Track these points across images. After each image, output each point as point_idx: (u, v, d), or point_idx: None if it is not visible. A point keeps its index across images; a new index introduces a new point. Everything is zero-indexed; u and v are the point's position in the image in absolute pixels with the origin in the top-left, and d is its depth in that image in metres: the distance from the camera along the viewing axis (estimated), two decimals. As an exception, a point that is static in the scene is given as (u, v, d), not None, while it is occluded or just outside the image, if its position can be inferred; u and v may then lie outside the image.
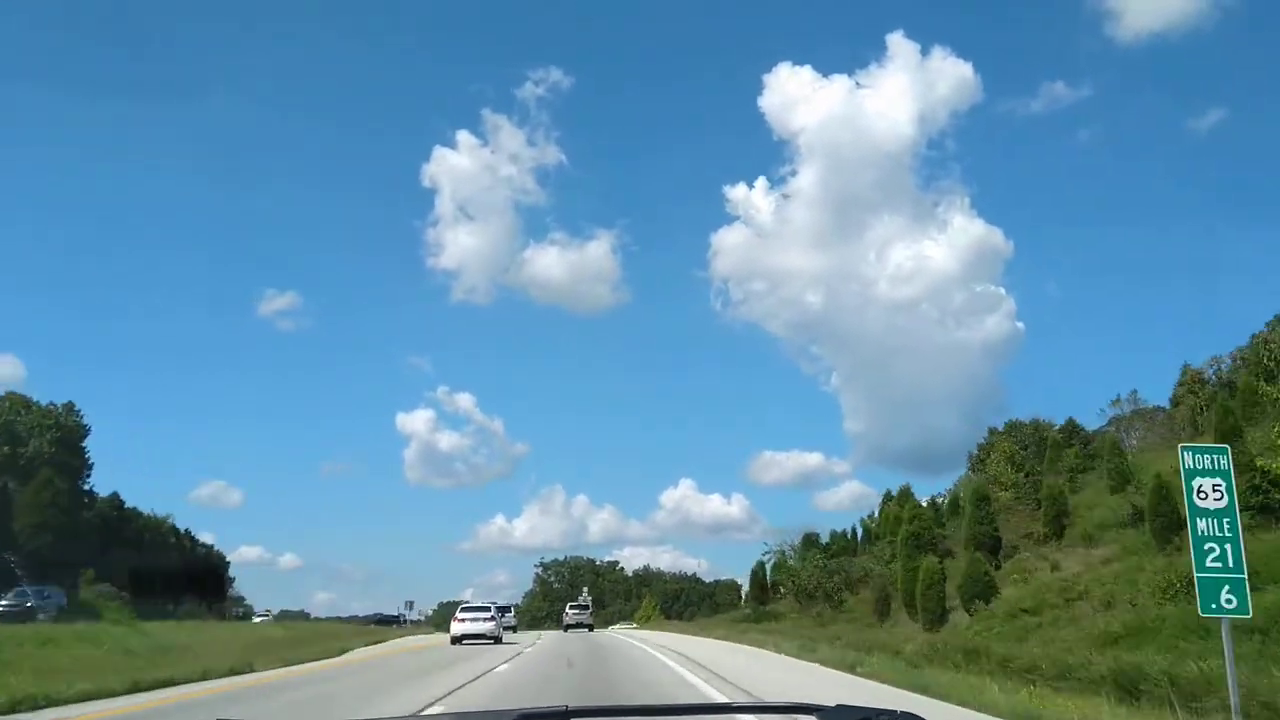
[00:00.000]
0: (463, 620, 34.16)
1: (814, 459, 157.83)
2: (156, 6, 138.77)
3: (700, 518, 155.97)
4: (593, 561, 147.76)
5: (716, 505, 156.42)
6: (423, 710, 11.10)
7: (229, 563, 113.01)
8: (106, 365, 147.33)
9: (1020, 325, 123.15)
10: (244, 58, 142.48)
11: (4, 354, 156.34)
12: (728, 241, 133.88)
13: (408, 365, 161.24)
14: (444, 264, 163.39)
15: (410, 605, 59.85)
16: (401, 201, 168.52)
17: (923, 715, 2.37)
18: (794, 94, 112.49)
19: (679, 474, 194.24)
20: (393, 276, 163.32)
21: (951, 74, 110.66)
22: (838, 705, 2.46)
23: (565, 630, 52.06)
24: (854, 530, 62.26)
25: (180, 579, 63.77)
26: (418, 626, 79.09)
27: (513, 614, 55.01)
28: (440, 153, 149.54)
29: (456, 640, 32.65)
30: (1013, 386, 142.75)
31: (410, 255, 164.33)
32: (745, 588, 74.41)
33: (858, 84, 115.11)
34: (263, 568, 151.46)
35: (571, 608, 61.04)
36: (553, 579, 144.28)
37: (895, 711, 2.41)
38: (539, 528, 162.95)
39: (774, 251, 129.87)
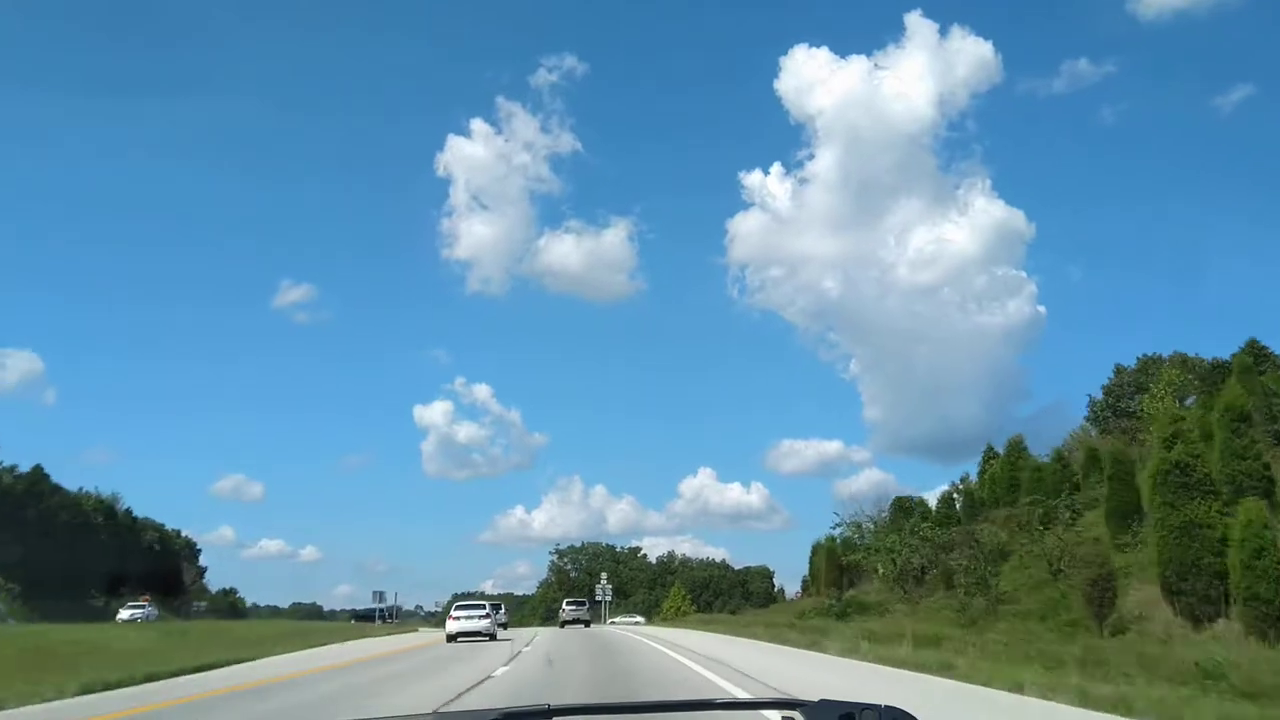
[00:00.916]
0: (458, 618, 34.05)
1: (833, 447, 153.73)
2: (168, 1, 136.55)
3: (719, 507, 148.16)
4: (612, 548, 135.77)
5: (736, 494, 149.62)
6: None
7: (197, 550, 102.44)
8: (123, 359, 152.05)
9: (1042, 309, 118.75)
10: (256, 50, 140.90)
11: (22, 350, 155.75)
12: (744, 227, 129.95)
13: (424, 357, 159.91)
14: (459, 254, 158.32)
15: (379, 596, 47.98)
16: (416, 191, 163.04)
17: (909, 710, 2.22)
18: (811, 76, 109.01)
19: (698, 463, 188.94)
20: (408, 268, 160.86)
21: (971, 53, 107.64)
22: (820, 700, 2.45)
23: (562, 626, 51.40)
24: (949, 498, 49.35)
25: (104, 568, 52.45)
26: (401, 624, 66.99)
27: (503, 612, 53.25)
28: (454, 141, 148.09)
29: (452, 638, 32.51)
30: (1035, 372, 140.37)
31: (426, 246, 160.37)
32: (804, 571, 61.91)
33: (876, 65, 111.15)
34: (284, 560, 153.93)
35: (569, 603, 59.95)
36: (569, 567, 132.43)
37: (880, 706, 2.33)
38: (558, 518, 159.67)
39: (791, 237, 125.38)
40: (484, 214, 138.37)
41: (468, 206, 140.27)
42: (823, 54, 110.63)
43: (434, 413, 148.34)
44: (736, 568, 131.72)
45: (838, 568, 49.57)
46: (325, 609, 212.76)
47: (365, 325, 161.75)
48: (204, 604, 67.82)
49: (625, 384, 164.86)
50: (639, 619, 76.61)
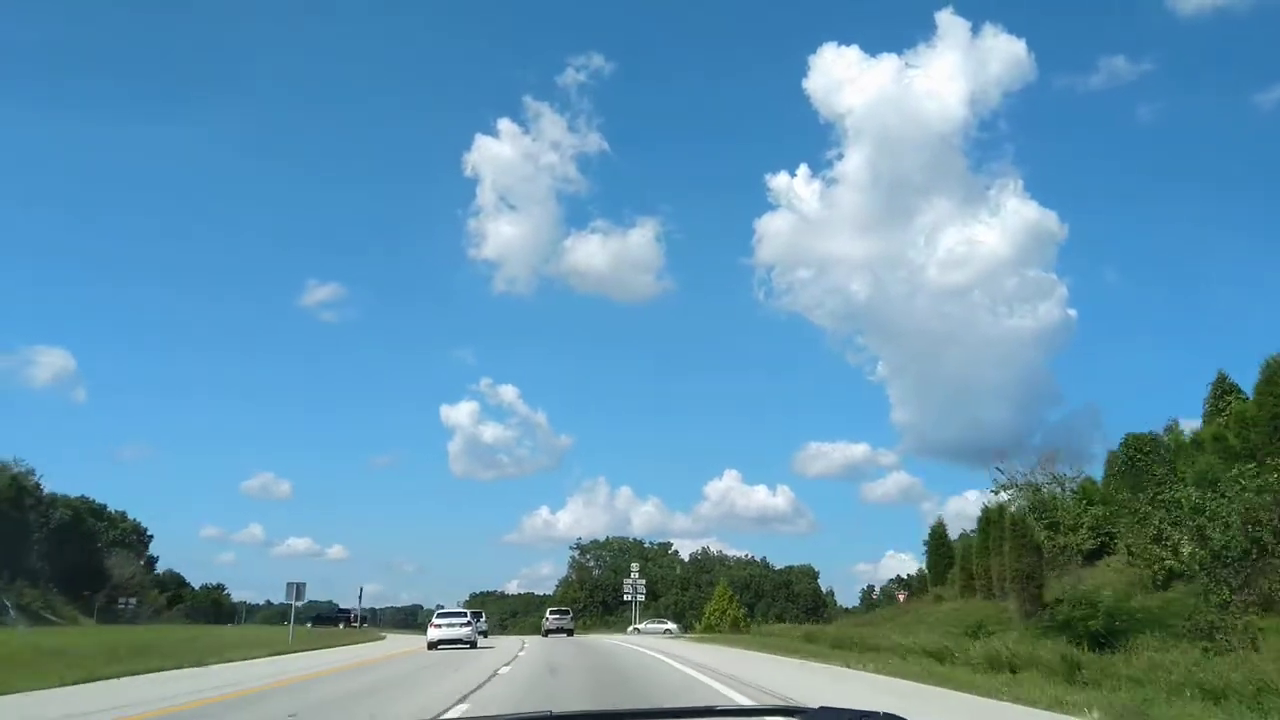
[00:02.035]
0: (439, 626, 33.43)
1: (860, 450, 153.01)
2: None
3: (745, 510, 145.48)
4: (640, 544, 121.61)
5: (762, 497, 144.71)
6: None
7: (146, 536, 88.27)
8: (153, 358, 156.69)
9: (1073, 313, 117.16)
10: (286, 50, 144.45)
11: (55, 347, 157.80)
12: (772, 228, 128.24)
13: (451, 356, 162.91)
14: (486, 254, 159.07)
15: (296, 590, 34.52)
16: (443, 191, 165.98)
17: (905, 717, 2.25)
18: (840, 75, 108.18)
19: (723, 465, 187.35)
20: (435, 267, 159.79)
21: (1004, 52, 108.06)
22: (820, 707, 2.41)
23: (545, 635, 51.38)
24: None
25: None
26: (366, 632, 53.47)
27: (484, 620, 51.27)
28: (482, 141, 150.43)
29: (433, 645, 31.86)
30: (1065, 375, 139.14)
31: (452, 246, 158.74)
32: (914, 560, 47.60)
33: (906, 64, 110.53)
34: (311, 559, 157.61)
35: (552, 612, 60.47)
36: (592, 564, 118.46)
37: (879, 713, 2.34)
38: (583, 519, 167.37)
39: (820, 238, 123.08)
40: (511, 214, 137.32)
41: (495, 206, 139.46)
42: (852, 52, 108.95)
43: (460, 413, 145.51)
44: (777, 567, 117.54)
45: (1029, 551, 32.40)
46: (342, 606, 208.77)
47: (392, 324, 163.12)
48: (134, 600, 54.11)
49: (651, 385, 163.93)
50: (669, 626, 62.70)
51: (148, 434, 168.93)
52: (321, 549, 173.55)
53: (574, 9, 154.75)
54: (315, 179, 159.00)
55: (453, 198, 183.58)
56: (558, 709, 3.99)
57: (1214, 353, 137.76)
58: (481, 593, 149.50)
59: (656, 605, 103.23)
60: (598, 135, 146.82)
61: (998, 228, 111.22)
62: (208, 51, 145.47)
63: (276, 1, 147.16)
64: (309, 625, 55.31)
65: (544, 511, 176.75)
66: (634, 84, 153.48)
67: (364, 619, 56.47)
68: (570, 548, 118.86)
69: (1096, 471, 37.14)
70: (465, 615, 36.43)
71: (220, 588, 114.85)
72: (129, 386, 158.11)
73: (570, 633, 52.78)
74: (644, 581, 69.92)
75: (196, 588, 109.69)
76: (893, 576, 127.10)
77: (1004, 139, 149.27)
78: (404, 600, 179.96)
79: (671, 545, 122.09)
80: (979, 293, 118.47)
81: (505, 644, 36.78)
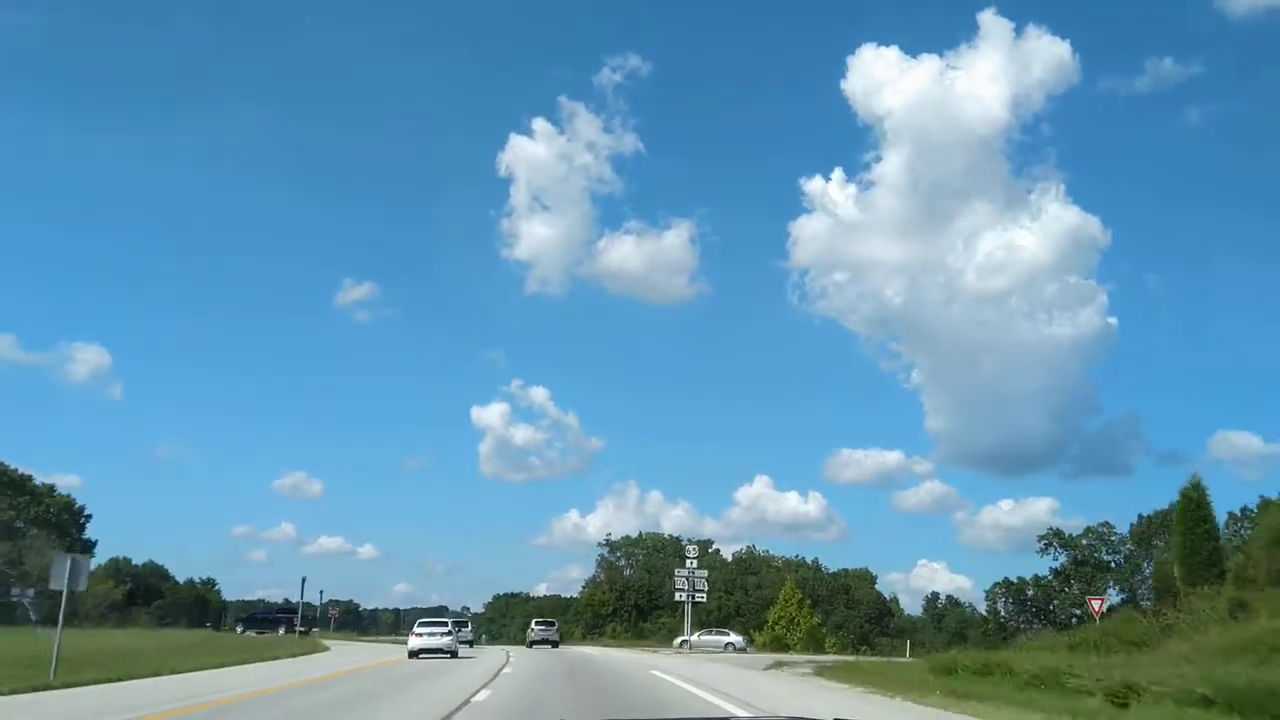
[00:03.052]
0: (420, 634, 33.20)
1: (893, 457, 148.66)
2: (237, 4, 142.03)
3: (776, 516, 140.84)
4: (677, 541, 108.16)
5: (793, 504, 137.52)
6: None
7: (82, 516, 74.80)
8: (186, 355, 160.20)
9: (1113, 321, 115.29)
10: (318, 52, 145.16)
11: (91, 344, 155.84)
12: (808, 231, 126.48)
13: (483, 357, 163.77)
14: (519, 255, 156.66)
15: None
16: (477, 191, 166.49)
17: None
18: (880, 76, 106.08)
19: (755, 471, 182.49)
20: (468, 267, 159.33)
21: (1048, 54, 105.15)
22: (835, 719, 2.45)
23: (530, 645, 50.77)
24: None
25: None
26: (317, 637, 41.33)
27: (469, 629, 51.81)
28: (516, 140, 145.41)
29: (414, 654, 31.43)
30: (1104, 385, 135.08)
31: (486, 246, 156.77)
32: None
33: (948, 65, 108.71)
34: (343, 558, 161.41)
35: (537, 623, 57.97)
36: (623, 562, 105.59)
37: None
38: (613, 523, 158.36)
39: (856, 241, 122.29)
40: (544, 214, 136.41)
41: (528, 207, 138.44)
42: (892, 53, 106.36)
43: (492, 414, 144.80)
44: (831, 569, 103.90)
45: None
46: (363, 608, 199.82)
47: (425, 325, 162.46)
48: (30, 593, 41.62)
49: (683, 389, 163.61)
50: (732, 639, 49.67)
51: (181, 431, 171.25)
52: (353, 548, 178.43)
53: (611, 9, 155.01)
54: (351, 179, 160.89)
55: (486, 198, 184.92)
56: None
57: (1258, 363, 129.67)
58: (506, 594, 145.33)
59: (698, 611, 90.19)
60: (633, 136, 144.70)
61: (1038, 233, 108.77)
62: (241, 57, 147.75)
63: (311, 4, 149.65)
64: (239, 628, 43.46)
65: (573, 515, 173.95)
66: (670, 85, 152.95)
67: (312, 623, 44.43)
68: (599, 544, 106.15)
69: None
70: (447, 624, 35.53)
71: (210, 584, 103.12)
72: (162, 384, 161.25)
73: (555, 644, 52.16)
74: (705, 574, 56.89)
75: (180, 582, 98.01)
76: (927, 588, 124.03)
77: (1046, 142, 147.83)
78: (433, 600, 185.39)
79: (712, 544, 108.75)
80: (1017, 299, 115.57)
81: (488, 658, 33.31)
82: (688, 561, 57.78)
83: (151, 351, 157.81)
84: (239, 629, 45.11)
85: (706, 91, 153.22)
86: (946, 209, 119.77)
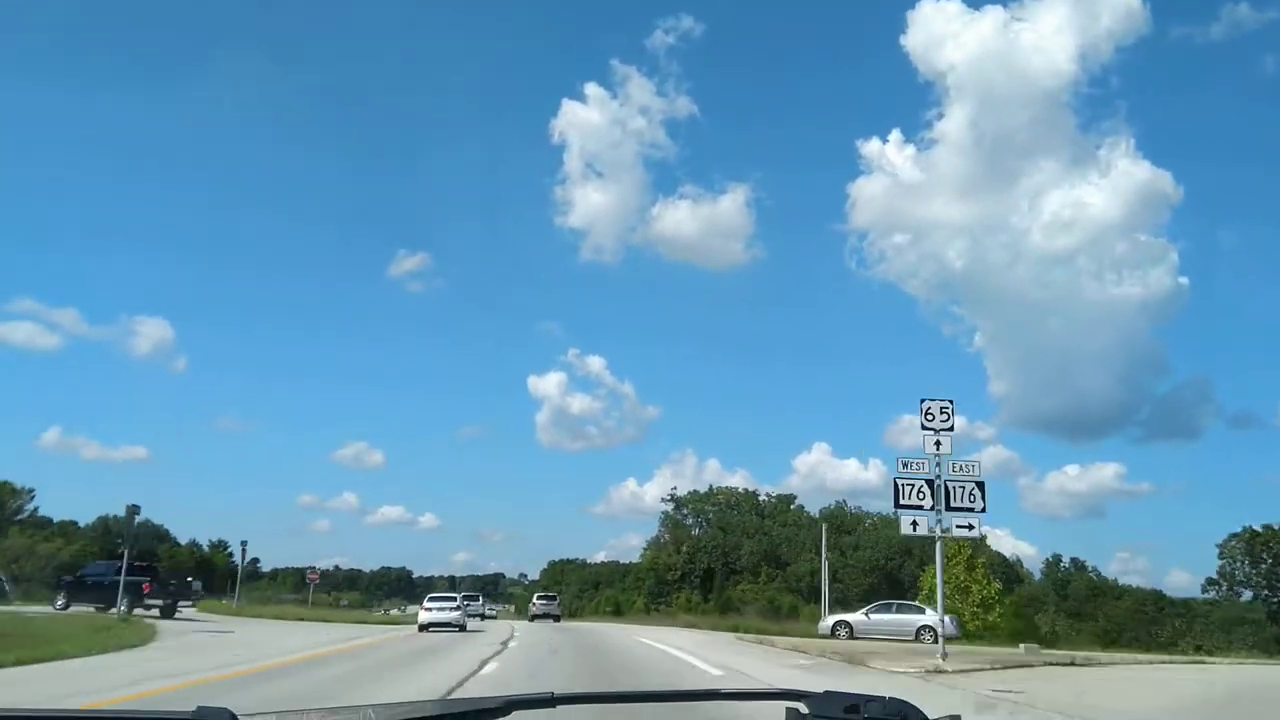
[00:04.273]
0: (430, 609, 34.32)
1: (956, 423, 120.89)
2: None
3: (835, 484, 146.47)
4: (754, 496, 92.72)
5: (853, 470, 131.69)
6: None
7: None
8: (247, 327, 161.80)
9: (1184, 280, 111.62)
10: (370, 17, 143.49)
11: (155, 317, 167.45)
12: (866, 192, 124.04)
13: (538, 327, 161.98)
14: (572, 223, 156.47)
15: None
16: (530, 159, 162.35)
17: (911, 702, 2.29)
18: (941, 30, 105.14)
19: (813, 438, 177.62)
20: (521, 236, 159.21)
21: (1116, 2, 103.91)
22: (825, 692, 2.39)
23: (531, 620, 50.99)
24: None
25: None
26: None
27: (480, 602, 54.52)
28: (569, 106, 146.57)
29: (424, 628, 32.36)
30: (1174, 346, 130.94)
31: (539, 214, 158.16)
32: None
33: (1012, 17, 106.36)
34: (404, 527, 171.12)
35: (539, 598, 58.72)
36: (690, 521, 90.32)
37: (884, 698, 2.36)
38: (669, 491, 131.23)
39: (917, 202, 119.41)
40: (598, 181, 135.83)
41: (581, 174, 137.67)
42: (954, 6, 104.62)
43: (548, 384, 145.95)
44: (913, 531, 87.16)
45: None
46: (416, 574, 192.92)
47: (479, 294, 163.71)
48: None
49: (740, 356, 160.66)
50: (930, 619, 29.40)
51: (243, 403, 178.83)
52: (414, 517, 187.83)
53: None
54: (403, 148, 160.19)
55: (539, 165, 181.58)
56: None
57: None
58: (561, 560, 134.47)
59: (784, 575, 74.62)
60: (687, 99, 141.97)
61: (1107, 189, 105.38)
62: (293, 28, 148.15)
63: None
64: (59, 601, 29.19)
65: (631, 483, 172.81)
66: (724, 46, 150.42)
67: (174, 588, 30.50)
68: (663, 500, 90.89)
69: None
70: (455, 600, 36.76)
71: (220, 546, 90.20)
72: (224, 356, 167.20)
73: (557, 618, 52.42)
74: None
75: (182, 543, 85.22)
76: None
77: (1115, 95, 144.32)
78: (491, 568, 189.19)
79: (794, 498, 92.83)
80: (1085, 258, 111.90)
81: (494, 631, 31.23)
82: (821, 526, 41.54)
83: (213, 326, 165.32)
84: (60, 601, 30.62)
85: (761, 52, 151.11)
86: (1011, 167, 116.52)
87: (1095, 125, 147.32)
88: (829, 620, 31.55)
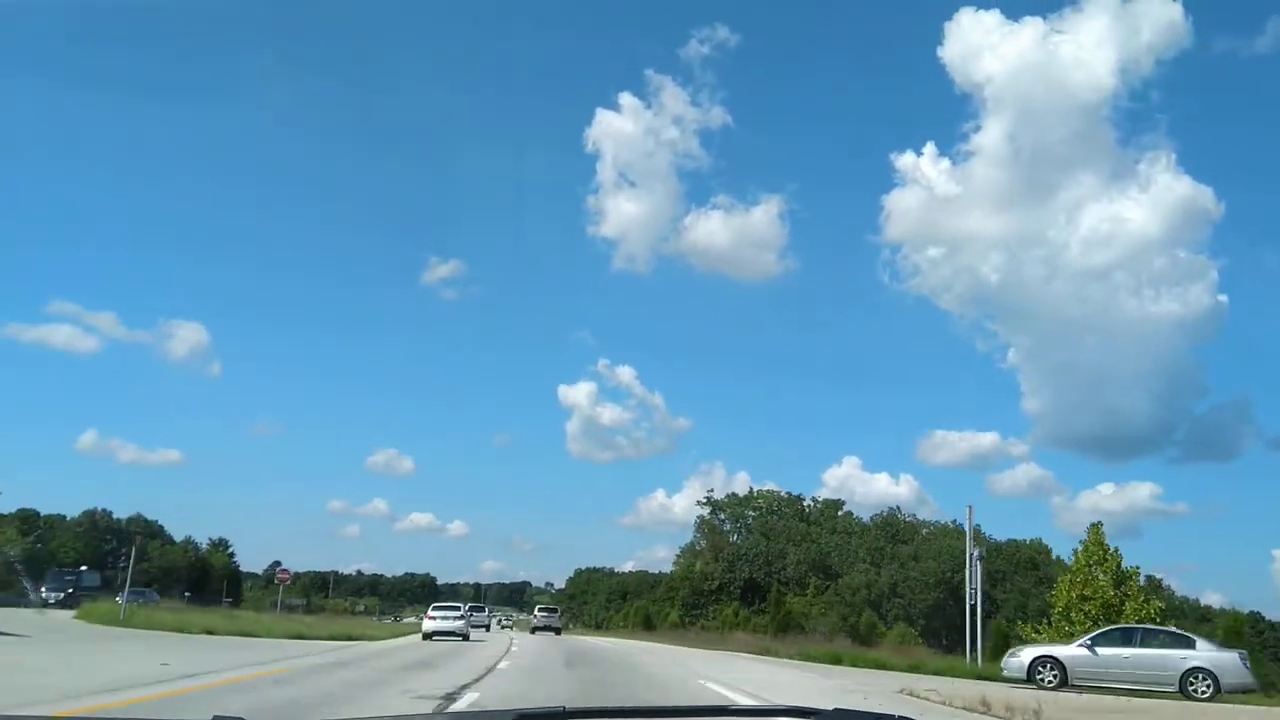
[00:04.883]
0: (434, 618, 34.63)
1: (989, 439, 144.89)
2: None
3: (865, 498, 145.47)
4: (798, 499, 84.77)
5: (884, 485, 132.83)
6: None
7: None
8: (281, 333, 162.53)
9: (1224, 298, 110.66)
10: (405, 26, 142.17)
11: (191, 321, 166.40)
12: (902, 204, 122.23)
13: (569, 336, 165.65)
14: (605, 232, 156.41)
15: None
16: (563, 167, 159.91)
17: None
18: (979, 42, 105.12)
19: (843, 451, 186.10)
20: (554, 245, 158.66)
21: (1158, 15, 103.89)
22: (835, 709, 2.41)
23: (533, 632, 50.96)
24: None
25: None
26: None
27: (486, 613, 57.76)
28: (602, 115, 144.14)
29: (428, 636, 32.97)
30: (1213, 365, 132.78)
31: (571, 223, 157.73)
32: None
33: (1052, 29, 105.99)
34: (433, 534, 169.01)
35: (540, 610, 59.47)
36: (726, 524, 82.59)
37: (894, 715, 2.34)
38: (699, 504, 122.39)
39: (952, 215, 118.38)
40: (631, 190, 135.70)
41: (614, 183, 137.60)
42: (992, 17, 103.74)
43: (578, 393, 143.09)
44: (997, 538, 78.26)
45: None
46: (441, 581, 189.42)
47: (511, 302, 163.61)
48: None
49: (771, 368, 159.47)
50: (1204, 655, 18.57)
51: (278, 409, 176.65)
52: (443, 524, 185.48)
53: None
54: (437, 155, 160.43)
55: (572, 174, 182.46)
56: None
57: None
58: (588, 569, 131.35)
59: (836, 587, 66.48)
60: (721, 109, 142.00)
61: (1146, 205, 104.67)
62: (329, 33, 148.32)
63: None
64: None
65: (660, 494, 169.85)
66: (759, 56, 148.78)
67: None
68: (698, 503, 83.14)
69: None
70: (460, 609, 37.23)
71: (221, 545, 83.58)
72: (259, 363, 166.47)
73: (558, 631, 52.60)
74: (979, 552, 32.64)
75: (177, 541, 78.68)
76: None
77: (1156, 109, 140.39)
78: (520, 577, 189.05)
79: (843, 504, 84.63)
80: (1123, 274, 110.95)
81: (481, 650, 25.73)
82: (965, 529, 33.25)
83: (248, 330, 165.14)
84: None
85: (796, 62, 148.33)
86: (1049, 180, 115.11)
87: (1135, 139, 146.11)
88: (1024, 655, 20.38)
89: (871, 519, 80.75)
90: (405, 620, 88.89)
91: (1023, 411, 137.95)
